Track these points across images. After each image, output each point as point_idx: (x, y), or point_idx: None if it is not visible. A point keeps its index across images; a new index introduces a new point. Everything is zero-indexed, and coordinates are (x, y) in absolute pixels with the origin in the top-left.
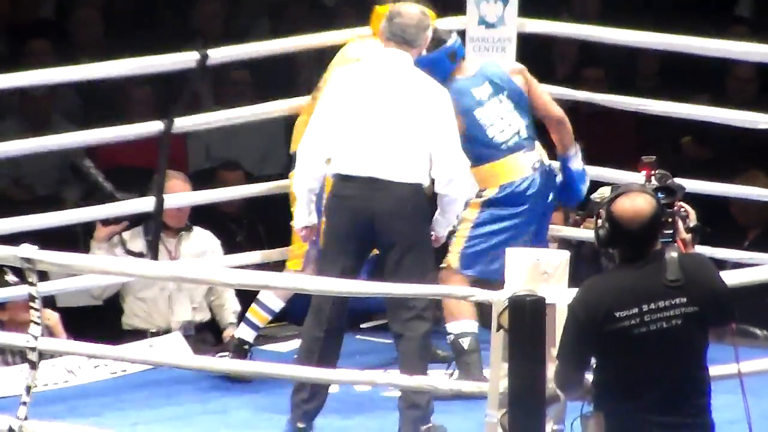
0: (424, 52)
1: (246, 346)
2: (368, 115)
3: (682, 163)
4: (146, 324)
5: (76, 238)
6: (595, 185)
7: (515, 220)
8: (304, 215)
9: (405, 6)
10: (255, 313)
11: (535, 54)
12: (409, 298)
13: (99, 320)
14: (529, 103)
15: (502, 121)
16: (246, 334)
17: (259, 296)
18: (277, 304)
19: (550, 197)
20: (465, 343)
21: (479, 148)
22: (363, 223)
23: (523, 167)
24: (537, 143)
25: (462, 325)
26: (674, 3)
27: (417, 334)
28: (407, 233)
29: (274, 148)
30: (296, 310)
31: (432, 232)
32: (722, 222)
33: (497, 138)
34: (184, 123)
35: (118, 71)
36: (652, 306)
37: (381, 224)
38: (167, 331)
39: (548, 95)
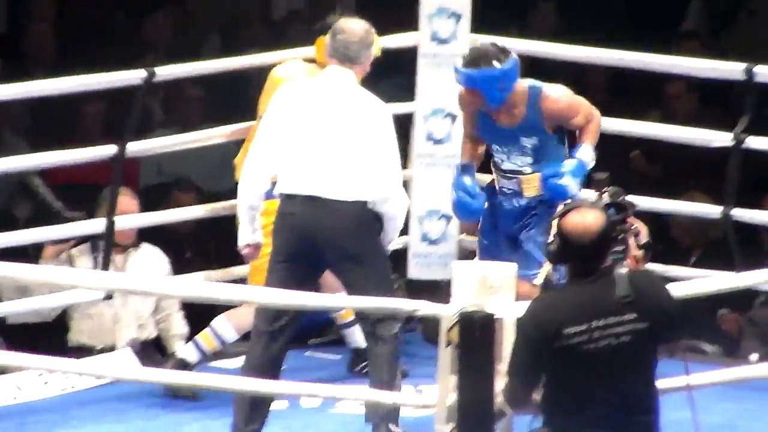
0: (499, 65)
1: (188, 368)
2: (310, 134)
3: (631, 178)
4: (92, 341)
5: (26, 255)
6: None
7: None
8: (247, 233)
9: (349, 22)
10: (206, 338)
11: None
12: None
13: (46, 337)
14: None
15: None
16: (190, 354)
17: (213, 323)
18: (231, 335)
19: None
20: None
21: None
22: (307, 242)
23: None
24: None
25: None
26: (626, 19)
27: (389, 334)
28: (352, 251)
29: (226, 163)
30: None
31: None
32: (669, 239)
33: None
34: (137, 147)
35: (67, 87)
36: (602, 322)
37: (325, 243)
38: (113, 348)
39: None
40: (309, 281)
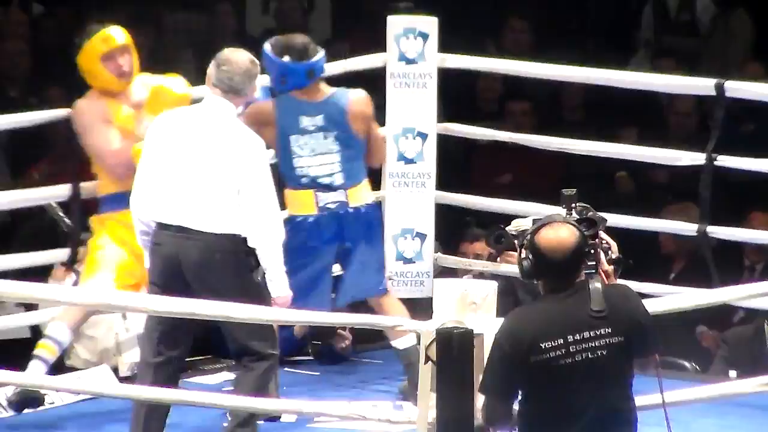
0: (287, 59)
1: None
2: (182, 164)
3: (614, 196)
4: (88, 365)
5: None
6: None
7: (307, 257)
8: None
9: (234, 53)
10: (47, 348)
11: (460, 89)
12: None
13: (23, 353)
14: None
15: (314, 158)
16: (38, 369)
17: (47, 331)
18: (66, 336)
19: (346, 242)
20: None
21: (284, 170)
22: (174, 272)
23: (309, 205)
24: (360, 186)
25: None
26: (606, 37)
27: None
28: (215, 284)
29: None
30: (219, 342)
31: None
32: (649, 255)
33: (298, 170)
34: None
35: (40, 119)
36: (578, 336)
37: (189, 273)
38: (114, 371)
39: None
40: None
